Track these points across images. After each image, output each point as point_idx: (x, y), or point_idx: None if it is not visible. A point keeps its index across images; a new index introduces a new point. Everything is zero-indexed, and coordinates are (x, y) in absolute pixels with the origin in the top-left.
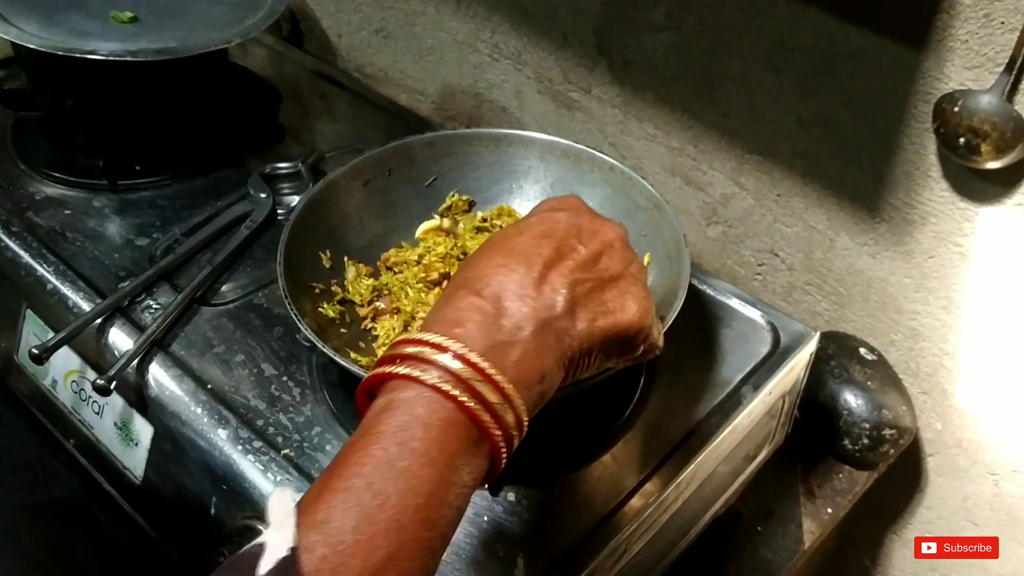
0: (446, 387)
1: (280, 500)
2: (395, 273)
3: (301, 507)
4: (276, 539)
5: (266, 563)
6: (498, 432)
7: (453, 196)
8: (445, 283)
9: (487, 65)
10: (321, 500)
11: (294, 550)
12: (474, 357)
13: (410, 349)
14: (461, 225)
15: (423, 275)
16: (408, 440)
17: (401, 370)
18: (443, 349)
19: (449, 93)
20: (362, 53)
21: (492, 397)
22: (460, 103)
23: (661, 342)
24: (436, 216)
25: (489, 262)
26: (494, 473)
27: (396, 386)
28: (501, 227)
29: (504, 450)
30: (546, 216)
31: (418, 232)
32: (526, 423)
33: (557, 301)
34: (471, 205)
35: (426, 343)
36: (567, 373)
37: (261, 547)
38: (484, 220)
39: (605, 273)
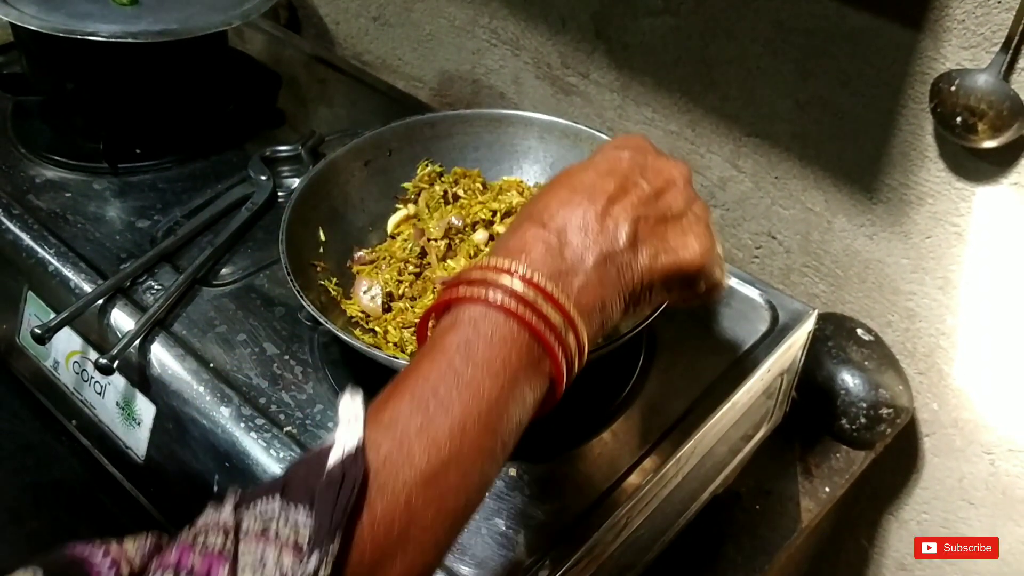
0: (511, 305)
1: (349, 403)
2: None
3: (370, 410)
4: (345, 436)
5: (335, 456)
6: (560, 352)
7: (425, 167)
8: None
9: (485, 51)
10: (388, 404)
11: (360, 447)
12: (539, 278)
13: (476, 274)
14: (423, 202)
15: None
16: (472, 353)
17: (466, 292)
18: (508, 272)
19: (447, 79)
20: (359, 40)
21: (555, 318)
22: (458, 89)
23: (726, 282)
24: (401, 206)
25: (554, 196)
26: (554, 398)
27: (462, 307)
28: (461, 193)
29: (565, 372)
30: (611, 154)
31: (390, 227)
32: (587, 348)
33: (620, 235)
34: (441, 175)
35: (491, 267)
36: (627, 306)
37: (330, 444)
38: (444, 193)
39: (668, 211)
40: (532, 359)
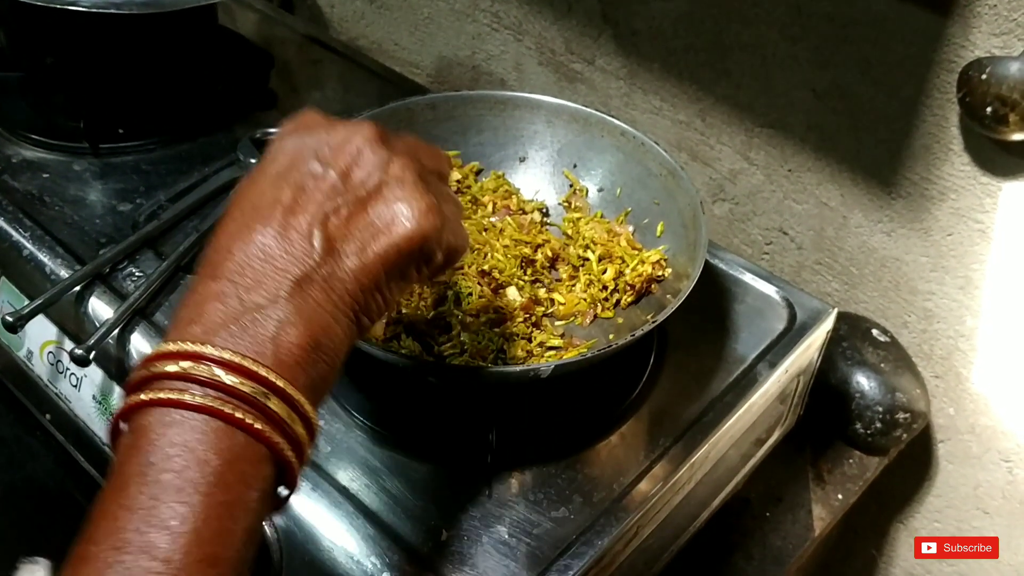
0: (185, 397)
1: None
2: None
3: None
4: None
5: None
6: (266, 427)
7: (456, 162)
8: None
9: (486, 35)
10: (76, 574)
11: None
12: (211, 350)
13: (140, 372)
14: None
15: None
16: (159, 476)
17: (137, 397)
18: (176, 355)
19: (445, 65)
20: (355, 24)
21: (245, 387)
22: (457, 76)
23: (466, 243)
24: None
25: (224, 230)
26: (291, 479)
27: (137, 416)
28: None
29: (284, 446)
30: (278, 148)
31: None
32: (306, 408)
33: (310, 247)
34: (478, 173)
35: (159, 355)
36: (358, 321)
37: None
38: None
39: (361, 189)
40: (236, 450)
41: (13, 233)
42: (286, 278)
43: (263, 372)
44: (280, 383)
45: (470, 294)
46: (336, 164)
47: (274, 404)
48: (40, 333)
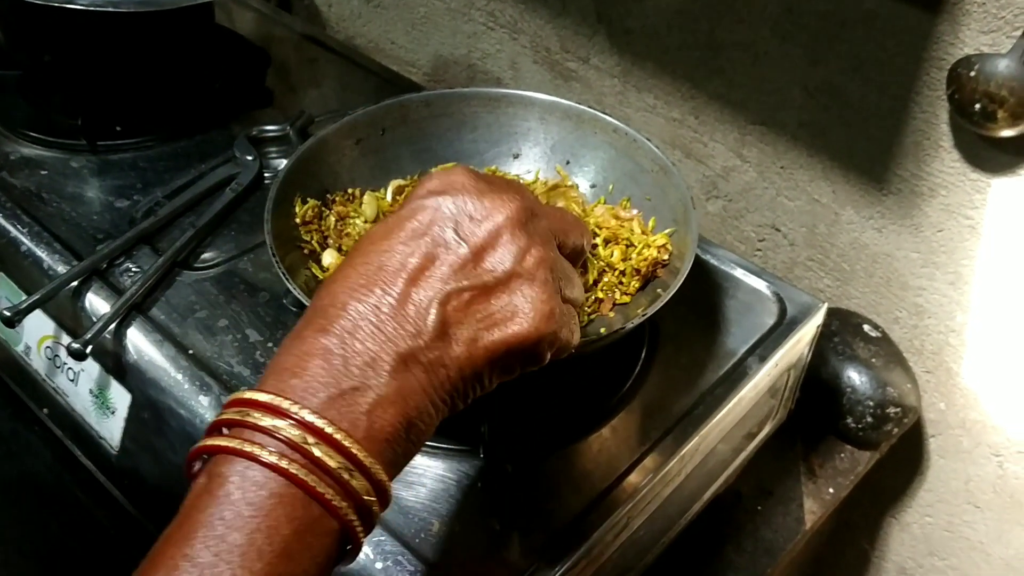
0: (271, 458)
1: None
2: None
3: None
4: None
5: None
6: (344, 503)
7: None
8: None
9: (482, 34)
10: None
11: None
12: (307, 415)
13: (232, 413)
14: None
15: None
16: (227, 533)
17: (220, 442)
18: (270, 409)
19: (441, 64)
20: (352, 23)
21: (333, 461)
22: (453, 74)
23: (576, 340)
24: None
25: (344, 280)
26: (355, 548)
27: (217, 460)
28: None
29: (356, 522)
30: (418, 207)
31: (389, 195)
32: (388, 485)
33: (424, 325)
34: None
35: (252, 403)
36: (451, 406)
37: None
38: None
39: (490, 275)
40: (309, 521)
41: (11, 229)
42: (393, 351)
43: (354, 449)
44: (367, 462)
45: None
46: (472, 241)
47: (356, 481)
48: (38, 328)
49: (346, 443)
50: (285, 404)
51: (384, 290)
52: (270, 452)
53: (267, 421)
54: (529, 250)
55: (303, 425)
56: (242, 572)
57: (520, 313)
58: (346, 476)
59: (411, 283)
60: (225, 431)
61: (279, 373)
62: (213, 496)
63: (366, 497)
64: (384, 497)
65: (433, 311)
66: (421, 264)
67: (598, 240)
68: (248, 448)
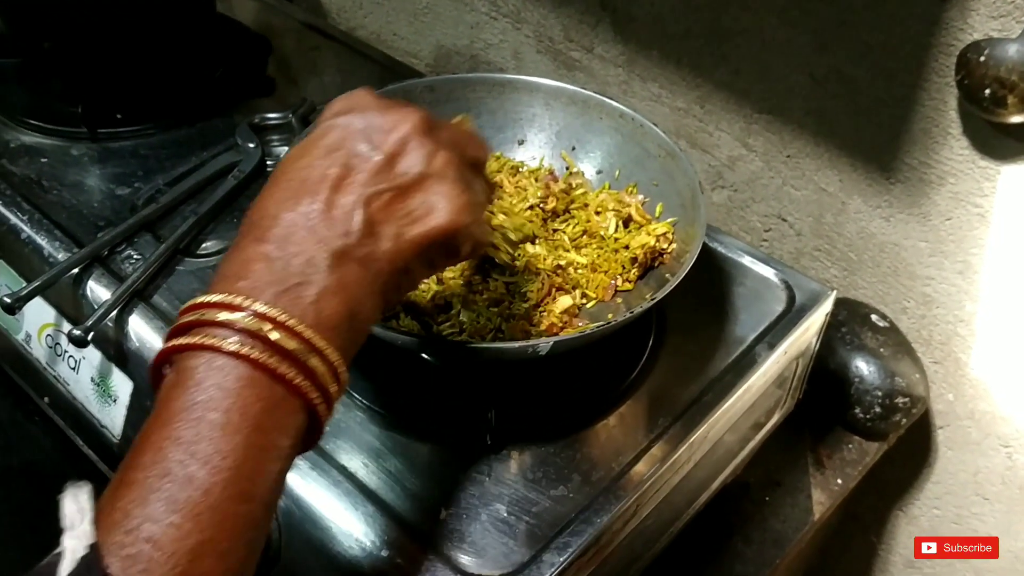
0: (232, 346)
1: (74, 498)
2: None
3: (100, 506)
4: (72, 543)
5: (64, 570)
6: (305, 382)
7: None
8: None
9: (484, 24)
10: (118, 496)
11: (94, 547)
12: (260, 306)
13: (189, 316)
14: None
15: None
16: (204, 414)
17: (183, 340)
18: (224, 306)
19: (444, 55)
20: (354, 14)
21: (290, 345)
22: (455, 65)
23: (488, 238)
24: None
25: (271, 196)
26: (318, 429)
27: (182, 357)
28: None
29: (319, 400)
30: (329, 126)
31: None
32: (341, 368)
33: (352, 225)
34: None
35: (206, 304)
36: (385, 298)
37: (59, 555)
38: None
39: (404, 177)
40: (275, 400)
41: (11, 217)
42: (327, 250)
43: (307, 333)
44: (320, 344)
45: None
46: (383, 148)
47: (314, 363)
48: (38, 315)
49: (299, 328)
50: (238, 300)
51: (311, 199)
52: (231, 342)
53: (223, 315)
54: (437, 153)
55: (258, 315)
56: (223, 444)
57: (437, 208)
58: (303, 358)
59: (334, 191)
60: (179, 336)
61: (226, 279)
62: (184, 387)
63: (324, 377)
64: (339, 380)
65: (358, 213)
66: (340, 174)
67: (610, 219)
68: (210, 341)
